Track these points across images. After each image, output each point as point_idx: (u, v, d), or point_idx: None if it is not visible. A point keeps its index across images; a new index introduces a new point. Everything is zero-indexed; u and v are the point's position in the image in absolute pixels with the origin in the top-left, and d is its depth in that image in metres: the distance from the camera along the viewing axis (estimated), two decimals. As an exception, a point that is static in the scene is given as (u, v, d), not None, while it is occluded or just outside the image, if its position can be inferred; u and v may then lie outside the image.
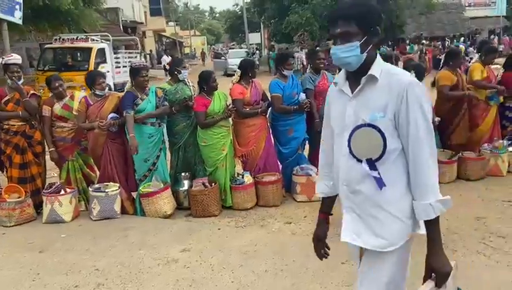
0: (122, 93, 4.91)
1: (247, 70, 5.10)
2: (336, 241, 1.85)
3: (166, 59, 18.81)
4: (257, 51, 32.68)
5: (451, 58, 5.88)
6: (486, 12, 39.14)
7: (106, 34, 13.90)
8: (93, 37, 13.15)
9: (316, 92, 5.38)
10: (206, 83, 4.89)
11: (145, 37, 40.83)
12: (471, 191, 5.27)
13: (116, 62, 13.72)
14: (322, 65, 5.53)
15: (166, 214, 4.74)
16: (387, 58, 6.35)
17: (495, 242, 3.88)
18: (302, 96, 5.10)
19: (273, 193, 5.03)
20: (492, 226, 4.23)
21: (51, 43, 13.08)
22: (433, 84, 5.99)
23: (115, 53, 15.51)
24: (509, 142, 5.80)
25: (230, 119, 5.10)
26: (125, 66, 14.56)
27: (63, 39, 12.70)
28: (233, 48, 41.14)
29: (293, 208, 5.00)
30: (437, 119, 5.63)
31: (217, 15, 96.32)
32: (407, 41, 24.80)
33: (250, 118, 5.07)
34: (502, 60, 6.83)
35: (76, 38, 12.80)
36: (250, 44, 42.46)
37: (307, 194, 5.13)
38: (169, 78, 5.44)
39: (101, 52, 12.69)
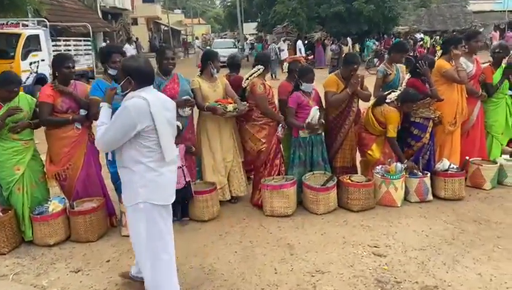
0: None
1: (59, 68, 4.09)
2: None
3: (129, 49, 17.74)
4: (237, 42, 31.29)
5: (344, 64, 4.88)
6: (492, 7, 37.50)
7: (43, 19, 12.86)
8: (25, 22, 12.13)
9: (161, 99, 4.35)
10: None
11: (137, 25, 39.85)
12: (342, 227, 4.22)
13: (56, 50, 12.70)
14: (171, 66, 4.50)
15: None
16: (233, 65, 5.42)
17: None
18: (132, 102, 4.06)
19: (87, 225, 4.03)
20: (321, 287, 3.19)
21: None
22: None
23: (70, 40, 14.60)
24: (405, 165, 4.70)
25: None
26: (69, 55, 13.59)
27: (-8, 24, 11.76)
28: (225, 38, 39.75)
29: (107, 246, 4.00)
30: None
31: (229, 3, 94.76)
32: (391, 36, 23.40)
33: (61, 128, 4.07)
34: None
35: (7, 24, 11.82)
36: (251, 34, 41.06)
37: (132, 226, 4.12)
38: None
39: (34, 39, 11.70)
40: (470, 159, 5.10)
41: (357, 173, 5.03)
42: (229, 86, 4.83)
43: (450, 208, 4.55)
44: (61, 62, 4.11)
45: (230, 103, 4.58)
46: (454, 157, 5.05)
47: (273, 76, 17.28)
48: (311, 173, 4.75)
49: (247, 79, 4.84)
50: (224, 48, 23.92)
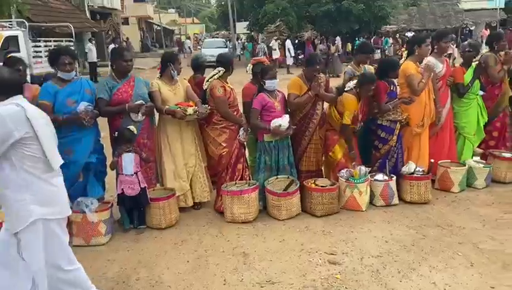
0: None
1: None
2: None
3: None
4: (228, 42, 31.11)
5: (306, 65, 4.80)
6: (483, 5, 37.44)
7: (22, 20, 12.68)
8: (3, 23, 11.96)
9: (114, 102, 4.23)
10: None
11: (128, 24, 39.57)
12: (302, 234, 4.10)
13: (36, 51, 12.53)
14: (129, 68, 4.37)
15: None
16: (198, 66, 5.24)
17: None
18: (81, 106, 3.97)
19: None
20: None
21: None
22: None
23: (50, 41, 14.39)
24: (369, 169, 4.58)
25: None
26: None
27: (-32, 26, 11.58)
28: (216, 37, 39.47)
29: (56, 254, 3.85)
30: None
31: (222, 3, 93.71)
32: (380, 35, 23.30)
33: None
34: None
35: (-16, 25, 11.67)
36: (244, 33, 40.81)
37: (83, 236, 4.00)
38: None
39: (13, 40, 11.54)
40: (439, 162, 4.99)
41: (322, 177, 4.92)
42: (190, 89, 4.70)
43: (415, 212, 4.44)
44: (11, 65, 4.02)
45: (191, 106, 4.44)
46: (422, 160, 4.93)
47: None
48: (275, 177, 4.62)
49: (207, 81, 4.71)
50: (214, 48, 23.69)
